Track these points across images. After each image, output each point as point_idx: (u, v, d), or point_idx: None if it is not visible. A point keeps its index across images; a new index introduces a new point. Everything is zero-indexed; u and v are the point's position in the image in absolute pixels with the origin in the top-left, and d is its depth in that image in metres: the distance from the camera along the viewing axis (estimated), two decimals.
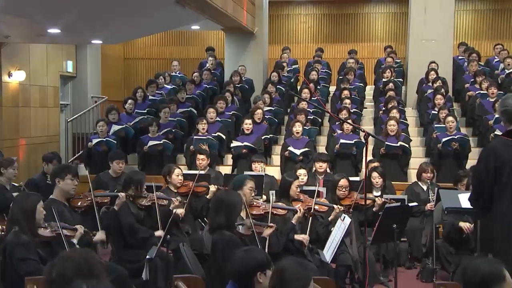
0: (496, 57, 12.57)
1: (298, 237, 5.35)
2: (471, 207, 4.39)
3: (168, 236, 4.86)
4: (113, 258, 5.53)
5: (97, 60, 14.07)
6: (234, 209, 4.43)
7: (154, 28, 11.73)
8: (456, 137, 8.57)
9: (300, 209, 5.37)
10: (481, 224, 5.13)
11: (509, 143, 4.03)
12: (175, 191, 6.40)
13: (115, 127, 9.53)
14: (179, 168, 6.59)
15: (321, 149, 9.62)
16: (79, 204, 5.63)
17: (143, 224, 5.60)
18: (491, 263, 2.75)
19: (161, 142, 9.05)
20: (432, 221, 6.67)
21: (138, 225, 5.51)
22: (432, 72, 11.27)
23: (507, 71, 11.46)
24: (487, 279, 2.68)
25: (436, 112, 9.65)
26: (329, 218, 5.73)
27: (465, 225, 6.17)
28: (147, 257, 5.01)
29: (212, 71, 12.48)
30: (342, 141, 8.64)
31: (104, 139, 9.08)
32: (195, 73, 11.98)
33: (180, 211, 5.99)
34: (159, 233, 5.49)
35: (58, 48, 12.67)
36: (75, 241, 4.56)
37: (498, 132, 8.30)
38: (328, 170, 7.81)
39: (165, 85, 12.06)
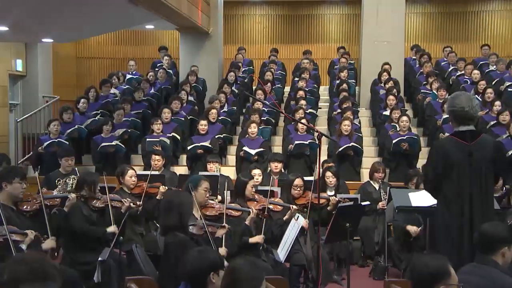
0: (445, 59, 12.92)
1: (253, 239, 5.35)
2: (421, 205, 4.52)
3: (121, 237, 4.79)
4: (63, 261, 5.41)
5: (48, 59, 13.74)
6: (184, 210, 4.37)
7: (107, 27, 11.57)
8: (405, 138, 8.73)
9: (253, 210, 5.37)
10: (430, 222, 5.25)
11: (457, 144, 4.13)
12: (129, 192, 6.31)
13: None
14: (133, 169, 6.51)
15: (276, 149, 9.67)
16: (27, 207, 5.37)
17: (95, 225, 5.49)
18: (437, 260, 2.82)
19: (114, 144, 8.92)
20: (384, 219, 6.80)
21: (89, 226, 5.41)
22: (385, 73, 11.48)
23: (458, 73, 11.81)
24: (434, 275, 2.74)
25: (388, 113, 9.82)
26: (284, 218, 5.76)
27: (412, 228, 6.33)
28: (99, 259, 4.92)
29: (167, 70, 12.38)
30: (296, 142, 8.70)
31: (56, 140, 8.88)
32: (150, 73, 11.87)
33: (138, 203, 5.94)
34: (112, 228, 5.42)
35: (7, 46, 12.32)
36: (24, 246, 4.43)
37: (447, 133, 8.53)
38: (283, 170, 7.86)
39: (119, 85, 11.90)
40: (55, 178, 7.03)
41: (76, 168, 7.29)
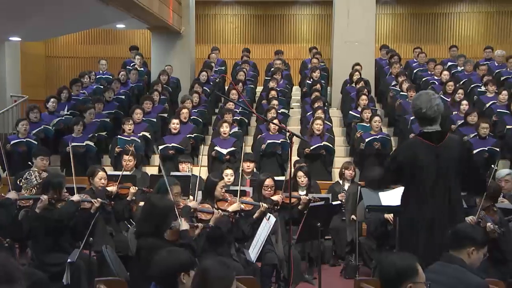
0: (415, 59, 13.10)
1: (231, 208, 5.45)
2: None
3: (91, 238, 4.74)
4: (32, 262, 5.33)
5: (16, 58, 13.50)
6: (166, 217, 4.34)
7: (77, 26, 11.44)
8: (378, 137, 8.84)
9: (218, 211, 5.37)
10: (399, 221, 5.30)
11: (424, 145, 4.17)
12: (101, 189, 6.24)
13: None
14: (104, 171, 6.42)
15: (249, 149, 9.68)
16: None
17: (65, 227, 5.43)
18: (405, 259, 2.86)
19: (84, 144, 8.82)
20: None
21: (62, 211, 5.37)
22: (356, 73, 11.58)
23: (427, 73, 11.98)
24: (401, 274, 2.78)
25: (360, 113, 9.90)
26: (254, 216, 5.78)
27: (389, 216, 6.38)
28: (69, 260, 4.86)
29: (138, 69, 12.30)
30: (268, 141, 8.73)
31: (24, 139, 8.75)
32: (122, 72, 11.77)
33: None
34: (76, 197, 5.45)
35: None
36: None
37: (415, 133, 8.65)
38: (255, 170, 7.87)
39: (89, 85, 11.77)
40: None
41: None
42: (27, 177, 6.71)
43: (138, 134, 9.08)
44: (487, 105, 10.16)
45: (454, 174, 4.14)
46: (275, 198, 6.10)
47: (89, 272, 4.91)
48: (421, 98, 4.20)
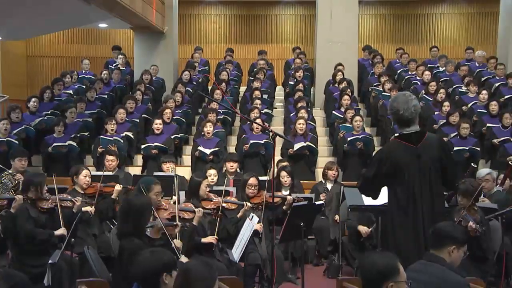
0: (397, 60, 13.19)
1: (205, 240, 5.35)
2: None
3: (73, 239, 4.71)
4: (12, 264, 5.28)
5: None
6: (143, 215, 4.31)
7: (59, 25, 11.36)
8: (360, 137, 8.89)
9: (199, 210, 5.36)
10: (382, 220, 5.34)
11: (404, 147, 4.20)
12: (82, 192, 6.20)
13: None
14: (88, 169, 6.39)
15: (232, 149, 9.68)
16: None
17: (45, 227, 5.38)
18: (386, 258, 2.87)
19: (66, 144, 8.75)
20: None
21: (35, 229, 5.30)
22: (339, 74, 11.62)
23: (410, 74, 12.08)
24: (383, 273, 2.80)
25: (343, 113, 9.94)
26: (238, 215, 5.78)
27: (363, 229, 6.45)
28: (50, 261, 4.82)
29: (121, 69, 12.23)
30: (252, 141, 8.73)
31: (5, 139, 8.65)
32: (104, 72, 11.70)
33: (89, 209, 5.82)
34: (60, 231, 5.32)
35: None
36: None
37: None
38: (238, 170, 7.87)
39: (72, 84, 11.67)
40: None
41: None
42: (1, 181, 6.63)
43: (121, 134, 9.03)
44: (469, 105, 10.28)
45: (436, 173, 4.18)
46: (257, 201, 6.10)
47: (70, 273, 4.88)
48: (398, 100, 4.22)
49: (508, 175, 6.74)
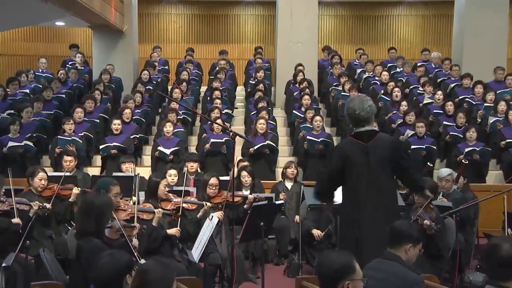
0: (356, 60, 13.37)
1: (170, 231, 5.36)
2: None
3: (28, 241, 4.61)
4: None
5: None
6: (103, 214, 4.26)
7: (14, 23, 11.11)
8: (319, 140, 8.91)
9: (159, 210, 5.33)
10: (340, 219, 5.41)
11: (355, 144, 4.31)
12: (38, 194, 6.07)
13: None
14: (44, 171, 6.24)
15: (193, 149, 9.64)
16: None
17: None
18: (342, 256, 2.91)
19: (22, 144, 8.56)
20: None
21: None
22: (300, 74, 11.70)
23: (367, 74, 12.26)
24: (339, 271, 2.83)
25: (303, 113, 10.02)
26: (198, 215, 5.77)
27: (316, 232, 6.54)
28: (3, 264, 4.71)
29: (79, 68, 12.04)
30: (212, 140, 8.72)
31: None
32: (61, 71, 11.49)
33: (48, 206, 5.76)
34: (16, 220, 5.25)
35: None
36: None
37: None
38: (199, 170, 7.84)
39: (27, 83, 11.42)
40: None
41: None
42: None
43: (79, 134, 8.89)
44: (420, 105, 10.51)
45: (385, 172, 4.27)
46: (218, 200, 6.10)
47: (25, 276, 4.77)
48: (354, 101, 4.37)
49: (461, 173, 6.92)
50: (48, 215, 5.87)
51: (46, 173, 6.22)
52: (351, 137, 4.42)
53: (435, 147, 9.00)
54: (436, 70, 12.29)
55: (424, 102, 10.63)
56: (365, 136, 4.31)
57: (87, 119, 9.49)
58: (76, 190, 6.13)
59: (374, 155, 4.26)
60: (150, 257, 4.65)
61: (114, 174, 7.20)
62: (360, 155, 4.27)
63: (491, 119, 9.67)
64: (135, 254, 4.48)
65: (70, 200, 6.10)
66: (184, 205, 5.71)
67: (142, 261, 4.52)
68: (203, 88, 12.50)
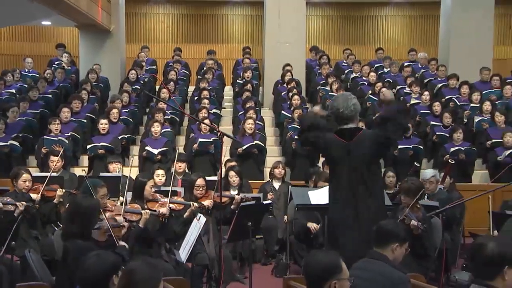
0: (344, 61, 13.42)
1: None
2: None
3: (13, 242, 4.58)
4: None
5: None
6: (90, 217, 4.25)
7: (1, 21, 10.98)
8: None
9: (146, 211, 5.32)
10: (328, 219, 5.42)
11: (337, 142, 4.33)
12: (25, 192, 6.02)
13: None
14: (29, 173, 6.19)
15: (181, 149, 9.62)
16: None
17: None
18: (329, 256, 2.92)
19: (8, 144, 8.50)
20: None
21: None
22: (288, 74, 11.71)
23: (354, 74, 12.31)
24: (326, 270, 2.84)
25: (291, 113, 10.02)
26: (184, 215, 5.76)
27: (312, 225, 6.54)
28: None
29: (66, 68, 11.96)
30: (200, 140, 8.71)
31: None
32: (48, 71, 11.41)
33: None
34: None
35: None
36: None
37: None
38: (187, 170, 7.82)
39: (13, 83, 11.33)
40: None
41: None
42: None
43: (66, 134, 8.84)
44: (408, 104, 10.56)
45: (367, 170, 4.28)
46: (205, 203, 6.08)
47: (11, 277, 4.73)
48: (338, 100, 4.40)
49: (448, 173, 6.96)
50: (33, 215, 5.83)
51: (30, 174, 6.18)
52: (334, 134, 4.41)
53: (422, 147, 9.06)
54: (422, 70, 12.37)
55: (411, 102, 10.68)
56: (347, 134, 4.32)
57: (74, 119, 9.44)
58: (60, 192, 6.09)
59: (356, 153, 4.27)
60: (137, 257, 4.63)
61: (102, 174, 7.17)
62: (341, 153, 4.29)
63: (477, 119, 9.75)
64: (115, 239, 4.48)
65: (54, 201, 6.06)
66: (171, 205, 5.69)
67: (121, 243, 4.53)
68: (191, 88, 12.48)
